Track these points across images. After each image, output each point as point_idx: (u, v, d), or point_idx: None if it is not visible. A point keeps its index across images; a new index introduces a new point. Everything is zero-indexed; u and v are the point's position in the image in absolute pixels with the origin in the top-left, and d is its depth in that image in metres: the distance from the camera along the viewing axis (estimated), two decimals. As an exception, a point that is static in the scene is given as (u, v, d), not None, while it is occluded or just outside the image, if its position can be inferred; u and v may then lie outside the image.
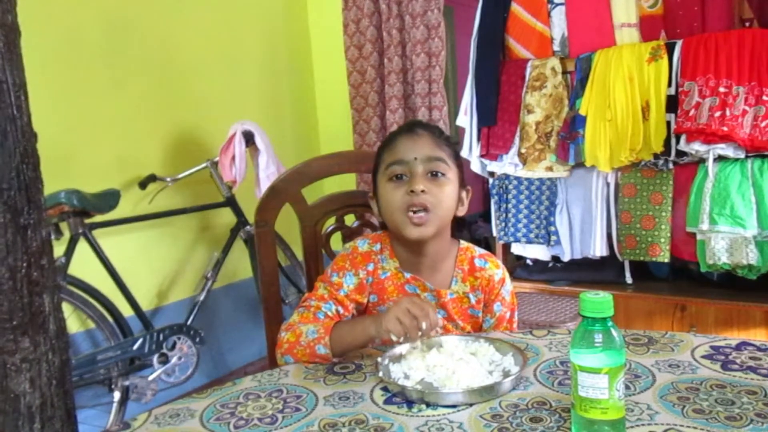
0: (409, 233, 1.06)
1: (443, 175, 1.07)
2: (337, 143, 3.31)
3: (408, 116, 3.05)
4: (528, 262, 2.62)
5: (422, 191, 1.04)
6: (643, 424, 0.73)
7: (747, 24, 2.12)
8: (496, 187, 2.58)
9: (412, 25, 2.93)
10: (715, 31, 2.11)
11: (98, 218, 2.19)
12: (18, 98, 0.75)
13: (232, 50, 2.97)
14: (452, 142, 1.14)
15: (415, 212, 1.05)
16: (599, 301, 0.68)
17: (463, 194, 1.13)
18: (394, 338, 0.93)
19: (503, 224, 2.57)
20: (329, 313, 1.08)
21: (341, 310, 1.10)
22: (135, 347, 2.20)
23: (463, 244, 1.18)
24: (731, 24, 2.13)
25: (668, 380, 0.84)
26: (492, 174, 2.61)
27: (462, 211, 1.14)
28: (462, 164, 1.14)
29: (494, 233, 2.63)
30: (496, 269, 1.16)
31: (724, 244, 2.06)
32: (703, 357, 0.92)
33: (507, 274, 1.18)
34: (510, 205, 2.54)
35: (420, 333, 0.91)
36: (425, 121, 1.15)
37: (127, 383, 2.21)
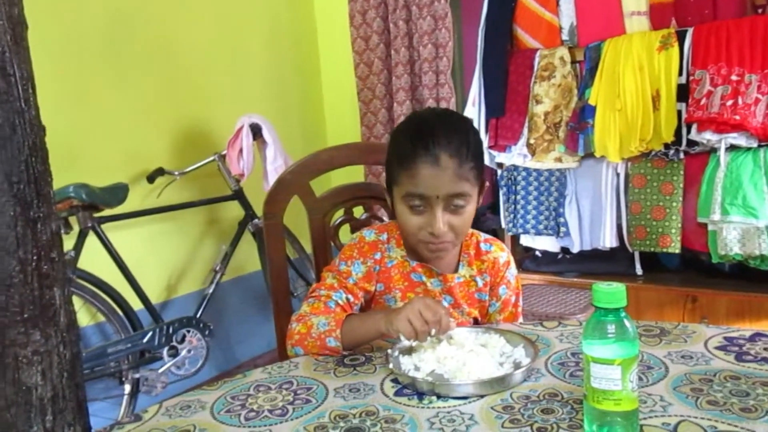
0: (425, 256, 1.08)
1: (463, 206, 1.03)
2: (344, 135, 3.29)
3: (415, 108, 3.04)
4: (537, 253, 2.61)
5: (444, 231, 1.02)
6: (656, 416, 0.72)
7: (759, 11, 2.09)
8: (504, 178, 2.56)
9: (419, 16, 2.91)
10: (727, 19, 2.08)
11: (107, 212, 2.20)
12: (26, 91, 0.75)
13: (238, 43, 2.96)
14: (477, 148, 1.05)
15: (432, 247, 1.05)
16: (612, 291, 0.67)
17: (480, 190, 1.09)
18: (403, 339, 0.92)
19: (512, 216, 2.56)
20: (340, 302, 1.08)
21: (351, 299, 1.10)
22: (145, 340, 2.21)
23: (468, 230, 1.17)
24: (743, 11, 2.10)
25: (681, 371, 0.83)
26: (500, 165, 2.59)
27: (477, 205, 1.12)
28: (484, 168, 1.09)
29: (503, 225, 2.62)
30: (501, 252, 1.17)
31: (736, 235, 2.04)
32: (717, 348, 0.91)
33: (512, 258, 1.19)
34: (519, 197, 2.53)
35: (430, 336, 0.91)
36: (446, 139, 1.00)
37: (137, 376, 2.22)
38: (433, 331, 0.90)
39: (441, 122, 1.04)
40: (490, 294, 1.16)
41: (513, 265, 1.18)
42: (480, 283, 1.15)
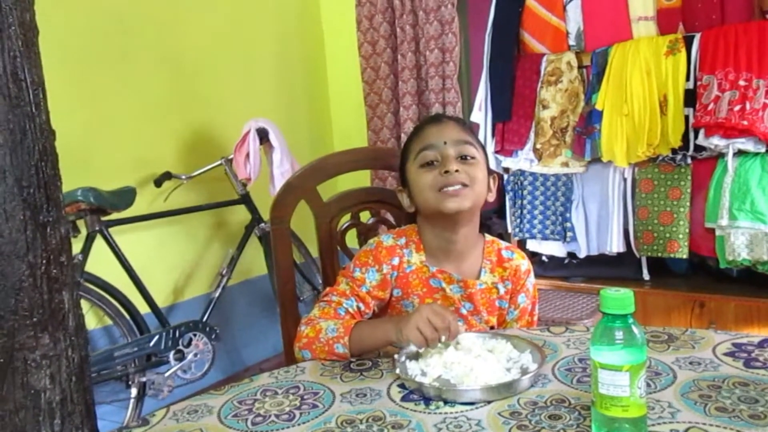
0: (446, 207, 1.06)
1: (473, 158, 1.09)
2: (350, 140, 3.30)
3: (422, 112, 3.04)
4: (543, 258, 2.60)
5: (456, 171, 1.06)
6: (664, 422, 0.72)
7: (767, 16, 2.08)
8: (511, 183, 2.56)
9: (425, 21, 2.92)
10: (735, 24, 2.07)
11: (114, 216, 2.21)
12: (36, 96, 0.75)
13: (245, 48, 2.97)
14: (479, 141, 1.17)
15: (449, 189, 1.06)
16: (620, 297, 0.67)
17: (490, 181, 1.15)
18: (413, 348, 0.93)
19: (518, 220, 2.55)
20: (350, 310, 1.08)
21: (362, 307, 1.10)
22: (151, 344, 2.21)
23: (488, 237, 1.19)
24: (751, 16, 2.09)
25: (690, 378, 0.83)
26: (507, 170, 2.59)
27: (491, 197, 1.15)
28: (486, 153, 1.16)
29: (509, 229, 2.62)
30: (522, 260, 1.17)
31: (744, 240, 2.03)
32: (725, 354, 0.90)
33: (531, 267, 1.20)
34: (525, 201, 2.52)
35: (440, 342, 0.91)
36: (450, 117, 1.18)
37: (143, 379, 2.23)
38: (443, 338, 0.90)
39: (445, 114, 1.16)
40: (510, 301, 1.16)
41: (532, 273, 1.19)
42: (502, 290, 1.15)
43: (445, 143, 1.08)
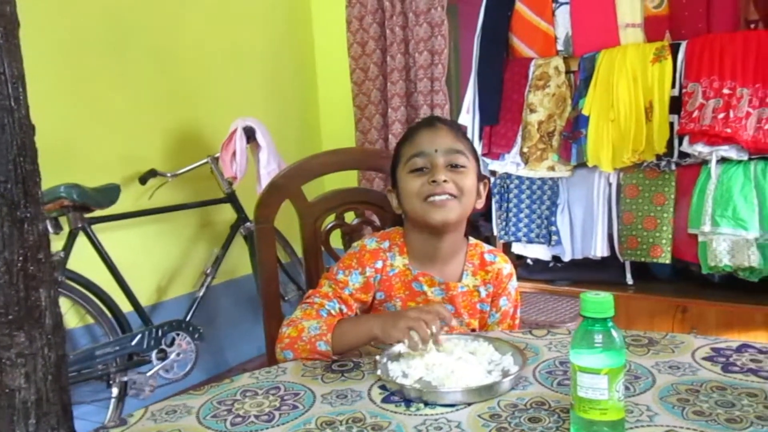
0: (432, 218, 1.07)
1: (463, 166, 1.09)
2: (339, 140, 3.30)
3: (410, 114, 3.04)
4: (529, 261, 2.61)
5: (444, 181, 1.05)
6: (642, 426, 0.72)
7: (752, 26, 2.11)
8: (497, 186, 2.57)
9: (415, 23, 2.92)
10: (721, 33, 2.10)
11: (98, 213, 2.19)
12: (16, 90, 0.74)
13: (234, 46, 2.96)
14: (471, 144, 1.16)
15: (436, 199, 1.06)
16: (600, 301, 0.68)
17: (480, 186, 1.14)
18: (395, 349, 0.93)
19: (504, 223, 2.56)
20: (332, 312, 1.08)
21: (345, 309, 1.09)
22: (134, 343, 2.19)
23: (472, 240, 1.19)
24: (737, 25, 2.11)
25: (668, 382, 0.84)
26: (494, 173, 2.60)
27: (480, 204, 1.15)
28: (478, 158, 1.16)
29: (495, 232, 2.62)
30: (504, 263, 1.18)
31: (726, 246, 2.05)
32: (704, 359, 0.91)
33: (514, 271, 1.20)
34: (511, 205, 2.54)
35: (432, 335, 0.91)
36: (443, 117, 1.16)
37: (125, 379, 2.21)
38: (434, 328, 0.90)
39: (440, 117, 1.14)
40: (491, 305, 1.17)
41: (515, 277, 1.20)
42: (483, 293, 1.15)
43: (436, 151, 1.07)
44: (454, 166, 1.08)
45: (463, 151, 1.09)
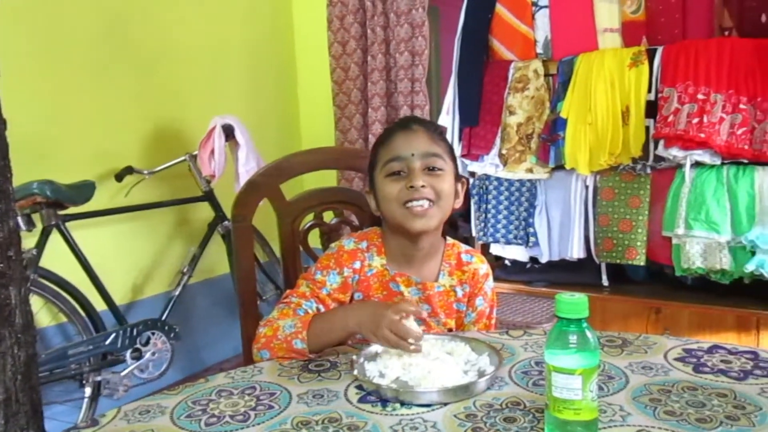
0: (411, 226, 1.07)
1: (440, 169, 1.08)
2: (318, 140, 3.29)
3: (390, 114, 3.05)
4: (506, 262, 2.63)
5: (422, 186, 1.05)
6: (615, 426, 0.73)
7: (726, 33, 2.15)
8: (476, 187, 2.58)
9: (396, 23, 2.93)
10: (696, 39, 2.14)
11: (72, 210, 2.15)
12: (-13, 84, 0.73)
13: (214, 43, 2.93)
14: (449, 144, 1.15)
15: (415, 205, 1.06)
16: (574, 302, 0.68)
17: (458, 186, 1.14)
18: (372, 349, 0.94)
19: (483, 224, 2.58)
20: (310, 311, 1.07)
21: (322, 309, 1.09)
22: (107, 342, 2.16)
23: (449, 240, 1.19)
24: (711, 32, 2.16)
25: (641, 382, 0.85)
26: (473, 174, 2.61)
27: (458, 204, 1.14)
28: (456, 158, 1.16)
29: (473, 233, 2.64)
30: (481, 264, 1.18)
31: (698, 249, 2.09)
32: (676, 359, 0.92)
33: (490, 271, 1.21)
34: (490, 206, 2.55)
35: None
36: (420, 117, 1.15)
37: (99, 379, 2.17)
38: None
39: (417, 117, 1.13)
40: (468, 304, 1.17)
41: (491, 277, 1.20)
42: (459, 293, 1.16)
43: (412, 155, 1.07)
44: (431, 170, 1.07)
45: (440, 154, 1.09)
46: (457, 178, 1.14)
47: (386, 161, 1.09)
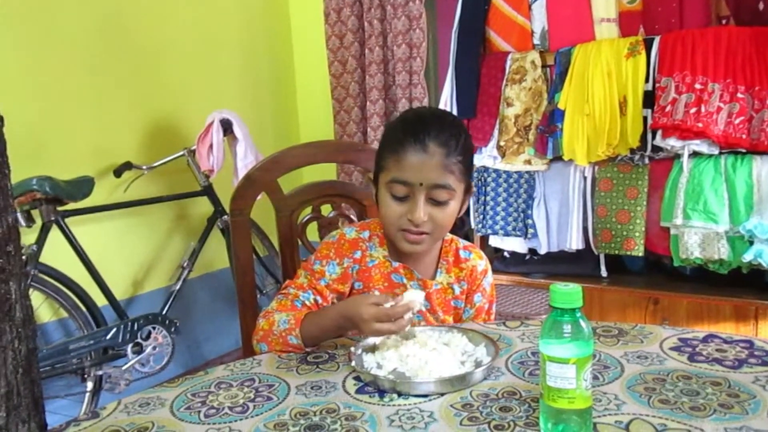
0: (402, 247, 1.07)
1: (446, 202, 1.03)
2: (316, 133, 3.29)
3: (388, 107, 3.04)
4: (505, 254, 2.64)
5: (423, 220, 1.02)
6: (609, 414, 0.74)
7: (723, 21, 2.15)
8: (475, 179, 2.59)
9: (393, 16, 2.92)
10: (693, 28, 2.13)
11: (71, 206, 2.16)
12: (-17, 80, 0.73)
13: (211, 37, 2.93)
14: (467, 146, 1.06)
15: (410, 234, 1.04)
16: (568, 292, 0.69)
17: (466, 198, 1.09)
18: (370, 341, 0.94)
19: (481, 216, 2.58)
20: (307, 303, 1.08)
21: (320, 300, 1.09)
22: (108, 337, 2.17)
23: (448, 236, 1.17)
24: (708, 21, 2.15)
25: (636, 371, 0.85)
26: (471, 166, 2.61)
27: (461, 212, 1.11)
28: (472, 168, 1.10)
29: (472, 225, 2.64)
30: (479, 260, 1.17)
31: (696, 239, 2.10)
32: (671, 349, 0.93)
33: (489, 266, 1.19)
34: (488, 198, 2.56)
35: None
36: (437, 124, 1.02)
37: (100, 373, 2.18)
38: (407, 317, 0.91)
39: (434, 117, 1.07)
40: (466, 301, 1.17)
41: (490, 273, 1.19)
42: (457, 291, 1.15)
43: (420, 184, 1.01)
44: (436, 202, 1.03)
45: (450, 184, 1.02)
46: (468, 190, 1.08)
47: (392, 179, 1.03)
